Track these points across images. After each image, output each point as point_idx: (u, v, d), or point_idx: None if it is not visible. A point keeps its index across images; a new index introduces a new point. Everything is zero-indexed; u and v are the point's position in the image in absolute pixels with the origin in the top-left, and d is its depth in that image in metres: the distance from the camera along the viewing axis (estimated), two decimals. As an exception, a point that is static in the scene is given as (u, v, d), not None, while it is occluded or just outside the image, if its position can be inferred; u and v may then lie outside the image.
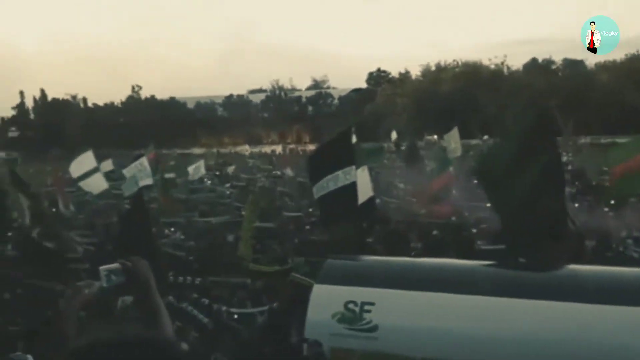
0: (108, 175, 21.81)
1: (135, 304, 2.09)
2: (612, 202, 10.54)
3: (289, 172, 24.19)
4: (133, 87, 73.17)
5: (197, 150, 50.08)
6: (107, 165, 22.47)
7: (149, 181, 17.03)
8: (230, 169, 26.52)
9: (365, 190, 8.54)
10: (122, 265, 1.99)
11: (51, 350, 1.98)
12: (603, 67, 55.78)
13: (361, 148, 10.48)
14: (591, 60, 57.46)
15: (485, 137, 36.96)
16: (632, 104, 47.87)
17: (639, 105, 47.52)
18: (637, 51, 54.61)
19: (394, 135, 34.89)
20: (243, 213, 7.93)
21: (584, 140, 44.99)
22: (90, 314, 1.97)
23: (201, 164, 20.04)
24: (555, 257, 4.21)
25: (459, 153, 19.29)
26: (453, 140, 19.94)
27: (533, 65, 59.18)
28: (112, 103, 73.71)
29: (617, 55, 56.32)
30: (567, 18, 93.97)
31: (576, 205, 13.29)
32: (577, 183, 20.01)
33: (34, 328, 4.40)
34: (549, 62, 59.25)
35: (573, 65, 57.74)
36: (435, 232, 9.42)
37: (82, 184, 15.79)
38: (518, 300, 3.25)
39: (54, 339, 1.97)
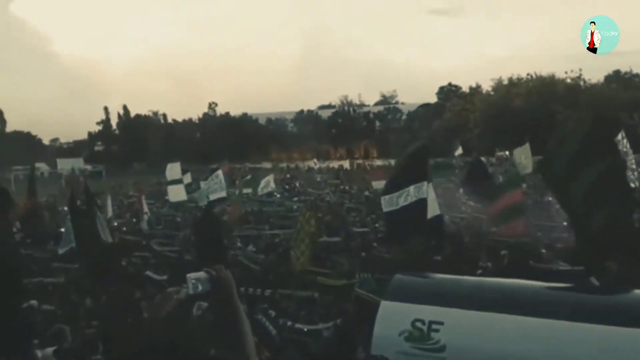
0: (187, 188, 22.94)
1: (216, 311, 2.17)
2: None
3: (356, 187, 24.24)
4: (210, 104, 76.27)
5: (267, 165, 51.23)
6: (187, 178, 23.57)
7: (222, 194, 17.73)
8: (297, 183, 26.91)
9: (432, 208, 8.41)
10: (208, 273, 2.09)
11: (136, 353, 2.08)
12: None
13: (429, 164, 10.32)
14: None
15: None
16: None
17: None
18: None
19: (459, 150, 33.90)
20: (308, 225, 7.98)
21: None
22: (170, 319, 2.09)
23: (270, 178, 20.50)
24: (630, 278, 3.99)
25: (529, 169, 18.52)
26: (524, 156, 19.11)
27: (615, 77, 56.01)
28: (190, 119, 77.10)
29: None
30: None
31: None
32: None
33: (115, 332, 4.66)
34: (632, 76, 55.83)
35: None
36: (504, 252, 9.12)
37: (169, 188, 16.82)
38: (589, 325, 3.12)
39: (139, 343, 2.08)
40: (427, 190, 8.01)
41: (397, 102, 77.69)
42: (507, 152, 44.75)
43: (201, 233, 8.54)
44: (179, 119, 77.05)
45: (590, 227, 4.61)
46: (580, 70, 56.47)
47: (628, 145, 10.05)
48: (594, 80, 56.64)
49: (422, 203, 7.65)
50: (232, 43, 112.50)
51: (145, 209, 15.18)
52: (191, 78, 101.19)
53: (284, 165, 48.94)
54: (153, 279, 8.41)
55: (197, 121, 76.49)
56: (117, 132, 74.86)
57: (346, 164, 55.46)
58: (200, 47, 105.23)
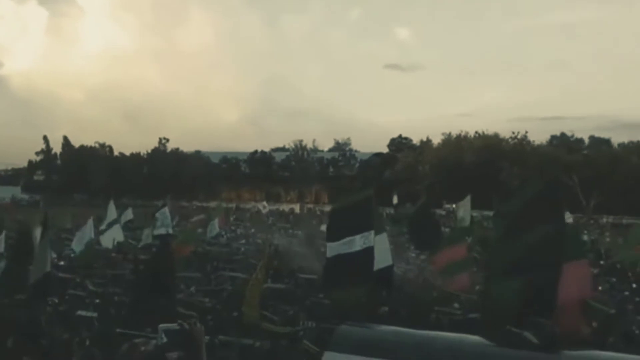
0: (127, 225, 22.13)
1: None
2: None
3: (305, 232, 24.07)
4: (160, 139, 74.97)
5: (214, 205, 50.53)
6: (128, 214, 22.82)
7: (168, 230, 17.16)
8: (242, 226, 26.51)
9: (383, 258, 8.34)
10: (181, 326, 2.15)
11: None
12: (626, 148, 55.61)
13: (381, 213, 10.35)
14: (614, 139, 57.72)
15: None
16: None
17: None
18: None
19: (395, 199, 34.09)
20: (254, 274, 7.77)
21: (606, 219, 44.38)
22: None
23: (215, 222, 20.10)
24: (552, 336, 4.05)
25: (467, 223, 18.98)
26: (463, 209, 19.61)
27: (560, 140, 59.11)
28: (139, 153, 75.36)
29: (640, 137, 56.56)
30: (594, 97, 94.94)
31: (599, 287, 12.94)
32: (602, 263, 19.54)
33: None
34: (576, 140, 59.10)
35: (599, 144, 57.61)
36: (456, 305, 9.12)
37: (101, 238, 16.03)
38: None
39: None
40: (374, 239, 7.98)
41: (350, 150, 78.92)
42: (454, 205, 46.02)
43: (151, 272, 8.12)
44: (127, 153, 75.40)
45: (514, 289, 4.71)
46: (527, 132, 59.37)
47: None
48: (538, 142, 59.55)
49: (369, 252, 7.59)
50: (189, 79, 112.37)
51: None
52: (143, 112, 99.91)
53: (232, 205, 48.37)
54: (85, 317, 7.96)
55: (145, 155, 75.00)
56: (59, 161, 72.31)
57: (297, 207, 55.38)
58: (154, 81, 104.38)
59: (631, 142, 56.32)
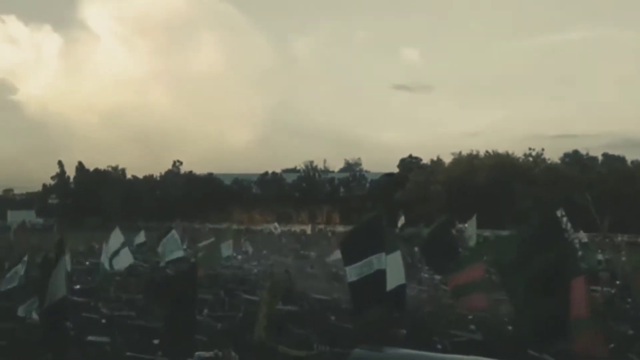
0: (139, 248, 22.23)
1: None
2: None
3: (316, 252, 23.99)
4: (174, 162, 75.58)
5: (226, 226, 50.47)
6: (140, 237, 22.91)
7: (180, 253, 17.17)
8: (250, 248, 26.41)
9: (396, 277, 8.24)
10: (215, 355, 2.13)
11: None
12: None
13: (394, 232, 10.32)
14: (628, 157, 57.13)
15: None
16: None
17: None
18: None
19: (401, 220, 33.74)
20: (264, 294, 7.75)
21: (621, 238, 43.67)
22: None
23: (230, 244, 20.09)
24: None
25: (473, 242, 19.08)
26: (470, 228, 19.79)
27: (573, 157, 58.47)
28: (152, 175, 75.95)
29: (656, 153, 55.97)
30: (606, 114, 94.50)
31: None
32: (618, 283, 19.19)
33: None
34: (589, 158, 58.43)
35: (613, 162, 56.99)
36: (472, 327, 8.98)
37: (113, 261, 16.11)
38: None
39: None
40: (389, 260, 7.92)
41: (361, 170, 78.87)
42: (465, 225, 45.52)
43: (174, 296, 8.10)
44: (140, 176, 75.96)
45: (532, 315, 4.89)
46: (543, 149, 58.66)
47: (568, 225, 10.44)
48: (550, 160, 58.97)
49: (380, 274, 7.53)
50: (200, 102, 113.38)
51: None
52: (156, 135, 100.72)
53: (243, 227, 48.29)
54: (95, 342, 7.97)
55: (158, 178, 75.47)
56: (72, 185, 72.99)
57: (308, 228, 55.21)
58: (167, 104, 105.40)
59: (645, 159, 55.83)
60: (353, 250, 8.06)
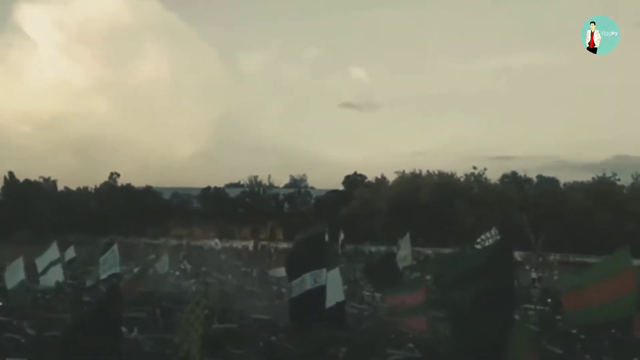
0: (69, 264, 21.11)
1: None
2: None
3: (258, 269, 23.55)
4: (111, 174, 72.92)
5: (167, 241, 48.99)
6: (70, 253, 21.81)
7: (116, 269, 16.56)
8: (188, 263, 25.65)
9: (336, 294, 8.11)
10: None
11: None
12: (572, 187, 57.85)
13: (336, 249, 10.19)
14: (561, 179, 59.97)
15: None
16: (599, 226, 49.17)
17: (606, 227, 48.79)
18: (604, 174, 57.03)
19: (341, 237, 33.86)
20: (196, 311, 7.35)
21: (554, 257, 45.63)
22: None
23: (165, 261, 19.33)
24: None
25: (408, 262, 19.08)
26: (404, 247, 19.75)
27: (511, 178, 60.68)
28: (86, 188, 72.89)
29: (586, 177, 59.04)
30: (541, 138, 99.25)
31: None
32: (549, 300, 19.85)
33: None
34: (525, 179, 60.83)
35: (547, 184, 59.61)
36: (411, 345, 8.91)
37: (42, 278, 15.32)
38: None
39: None
40: (329, 276, 7.80)
41: (306, 186, 78.88)
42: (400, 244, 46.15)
43: (97, 315, 7.67)
44: (74, 187, 72.76)
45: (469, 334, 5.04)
46: (485, 169, 60.48)
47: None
48: (493, 180, 60.91)
49: (321, 290, 7.45)
50: (142, 113, 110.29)
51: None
52: (93, 146, 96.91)
53: (182, 242, 47.04)
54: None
55: (92, 191, 72.60)
56: (0, 197, 69.02)
57: (250, 244, 54.39)
58: (106, 115, 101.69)
59: (576, 182, 58.67)
60: (296, 265, 7.97)
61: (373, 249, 38.85)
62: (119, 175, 72.64)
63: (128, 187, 70.94)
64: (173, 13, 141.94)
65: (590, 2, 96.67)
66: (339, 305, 8.15)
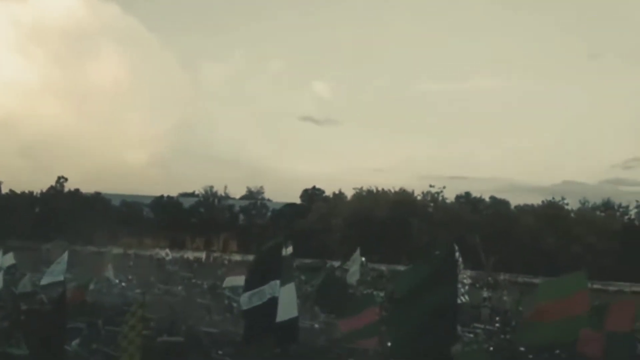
0: (8, 270, 20.03)
1: None
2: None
3: (209, 282, 22.95)
4: (58, 178, 70.13)
5: (113, 250, 47.41)
6: (9, 259, 20.79)
7: (60, 277, 16.05)
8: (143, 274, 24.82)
9: (289, 309, 7.90)
10: None
11: None
12: (522, 209, 59.52)
13: (291, 263, 9.92)
14: (512, 201, 61.58)
15: None
16: (547, 248, 50.71)
17: (554, 249, 50.39)
18: (553, 198, 59.03)
19: (289, 250, 33.74)
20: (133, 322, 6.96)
21: (503, 277, 46.73)
22: None
23: (110, 271, 18.57)
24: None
25: (357, 277, 19.16)
26: (354, 264, 19.90)
27: (466, 199, 61.83)
28: (31, 192, 69.86)
29: (536, 200, 60.92)
30: (494, 160, 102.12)
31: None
32: (497, 318, 20.12)
33: None
34: (478, 200, 62.09)
35: (499, 205, 61.06)
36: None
37: None
38: None
39: None
40: (279, 289, 7.68)
41: (263, 199, 78.09)
42: (363, 259, 46.43)
43: (40, 324, 7.30)
44: (18, 191, 69.58)
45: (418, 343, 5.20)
46: (444, 187, 61.38)
47: (460, 260, 10.95)
48: (449, 199, 61.85)
49: (273, 302, 7.29)
50: (95, 117, 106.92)
51: None
52: (42, 149, 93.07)
53: (131, 251, 45.70)
54: None
55: (38, 195, 69.66)
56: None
57: (203, 256, 53.27)
58: (57, 117, 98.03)
59: (526, 205, 60.44)
60: (254, 277, 7.81)
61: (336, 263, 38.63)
62: (66, 179, 70.00)
63: (76, 193, 68.41)
64: (133, 18, 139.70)
65: (547, 31, 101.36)
66: (292, 321, 7.93)
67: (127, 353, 6.59)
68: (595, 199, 60.25)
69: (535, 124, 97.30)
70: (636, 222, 57.68)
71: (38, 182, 75.90)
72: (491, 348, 12.82)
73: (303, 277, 19.19)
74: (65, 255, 16.74)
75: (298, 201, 70.15)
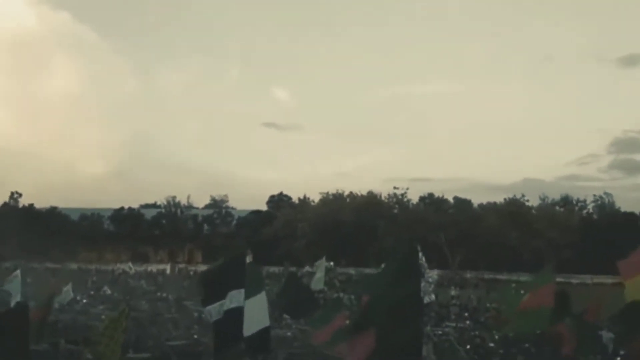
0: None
1: None
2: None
3: (174, 295, 22.37)
4: (12, 194, 67.64)
5: (72, 266, 45.77)
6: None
7: (17, 297, 15.36)
8: (107, 290, 23.95)
9: (260, 320, 7.74)
10: None
11: None
12: (485, 208, 60.68)
13: (259, 272, 9.64)
14: (475, 200, 62.67)
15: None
16: (510, 244, 51.78)
17: (517, 245, 51.50)
18: (514, 195, 60.41)
19: (249, 257, 33.48)
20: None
21: (469, 275, 47.50)
22: None
23: (69, 287, 17.79)
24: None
25: (321, 285, 19.08)
26: (319, 270, 19.81)
27: (429, 200, 62.57)
28: (-17, 208, 67.14)
29: (498, 198, 62.15)
30: (456, 161, 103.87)
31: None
32: (466, 315, 20.32)
33: None
34: (441, 200, 62.93)
35: (462, 204, 62.02)
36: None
37: None
38: None
39: None
40: (254, 300, 7.48)
41: (227, 207, 77.10)
42: (331, 263, 46.42)
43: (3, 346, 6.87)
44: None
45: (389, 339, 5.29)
46: (407, 188, 62.03)
47: (424, 260, 11.19)
48: (413, 201, 62.59)
49: (238, 312, 7.11)
50: (47, 128, 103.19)
51: None
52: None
53: (92, 267, 44.29)
54: None
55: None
56: None
57: (168, 268, 52.12)
58: (7, 129, 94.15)
59: (489, 203, 61.66)
60: (213, 288, 7.53)
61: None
62: (20, 195, 67.58)
63: (30, 208, 66.06)
64: (85, 25, 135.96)
65: (502, 33, 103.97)
66: (264, 331, 7.72)
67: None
68: (554, 195, 62.05)
69: (493, 124, 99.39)
70: (594, 216, 59.58)
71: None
72: (468, 346, 12.87)
73: (267, 287, 18.82)
74: (18, 273, 15.96)
75: (263, 208, 69.58)
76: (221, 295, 7.33)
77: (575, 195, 62.18)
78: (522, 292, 8.55)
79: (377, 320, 5.33)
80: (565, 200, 61.58)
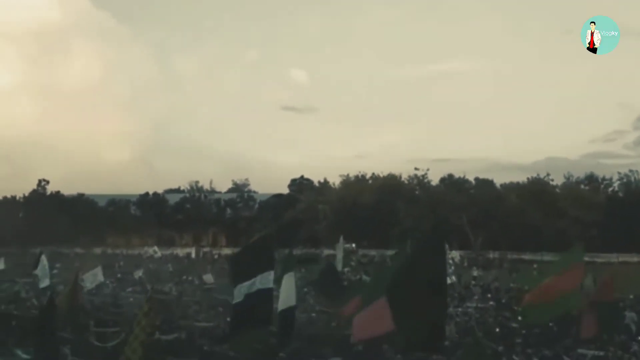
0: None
1: None
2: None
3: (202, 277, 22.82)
4: (40, 182, 69.09)
5: (100, 251, 46.81)
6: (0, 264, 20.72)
7: (47, 282, 15.89)
8: (137, 273, 24.53)
9: (288, 298, 7.98)
10: None
11: None
12: (507, 188, 59.93)
13: (289, 254, 9.92)
14: (497, 180, 61.95)
15: None
16: (534, 224, 51.17)
17: (540, 225, 50.86)
18: (538, 175, 59.49)
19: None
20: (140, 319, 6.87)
21: (492, 255, 47.19)
22: None
23: (98, 271, 18.24)
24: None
25: (341, 265, 19.27)
26: (339, 252, 20.02)
27: (449, 181, 61.99)
28: (14, 197, 68.78)
29: (520, 178, 61.32)
30: (477, 141, 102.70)
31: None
32: (489, 295, 20.33)
33: None
34: (463, 181, 62.31)
35: (484, 185, 61.29)
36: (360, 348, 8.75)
37: None
38: None
39: None
40: (283, 281, 7.64)
41: (249, 191, 77.68)
42: (353, 245, 46.54)
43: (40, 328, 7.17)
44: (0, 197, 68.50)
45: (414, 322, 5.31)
46: (428, 169, 61.46)
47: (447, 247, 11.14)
48: (434, 182, 61.82)
49: (267, 293, 7.23)
50: (73, 117, 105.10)
51: None
52: (21, 153, 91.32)
53: (119, 251, 45.23)
54: None
55: (21, 199, 68.66)
56: None
57: (193, 251, 52.97)
58: (35, 119, 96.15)
59: (511, 183, 60.83)
60: (241, 269, 7.70)
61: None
62: (48, 182, 68.99)
63: (58, 195, 67.47)
64: (105, 11, 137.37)
65: (521, 10, 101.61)
66: (289, 311, 7.96)
67: (135, 350, 6.50)
68: (579, 173, 60.92)
69: (515, 103, 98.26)
70: (620, 194, 58.44)
71: (19, 187, 74.64)
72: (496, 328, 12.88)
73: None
74: (44, 259, 16.47)
75: (284, 191, 69.95)
76: (249, 277, 7.44)
77: (601, 173, 61.04)
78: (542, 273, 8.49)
79: (394, 295, 5.41)
80: (590, 179, 60.36)
